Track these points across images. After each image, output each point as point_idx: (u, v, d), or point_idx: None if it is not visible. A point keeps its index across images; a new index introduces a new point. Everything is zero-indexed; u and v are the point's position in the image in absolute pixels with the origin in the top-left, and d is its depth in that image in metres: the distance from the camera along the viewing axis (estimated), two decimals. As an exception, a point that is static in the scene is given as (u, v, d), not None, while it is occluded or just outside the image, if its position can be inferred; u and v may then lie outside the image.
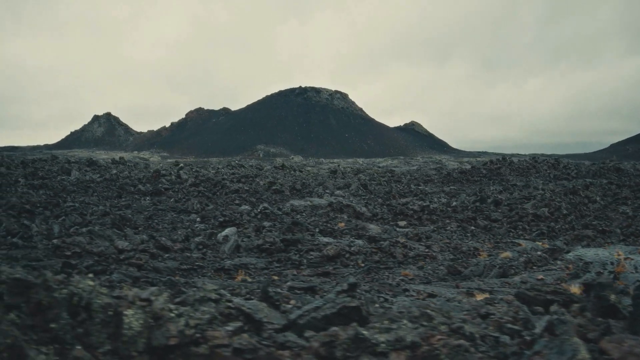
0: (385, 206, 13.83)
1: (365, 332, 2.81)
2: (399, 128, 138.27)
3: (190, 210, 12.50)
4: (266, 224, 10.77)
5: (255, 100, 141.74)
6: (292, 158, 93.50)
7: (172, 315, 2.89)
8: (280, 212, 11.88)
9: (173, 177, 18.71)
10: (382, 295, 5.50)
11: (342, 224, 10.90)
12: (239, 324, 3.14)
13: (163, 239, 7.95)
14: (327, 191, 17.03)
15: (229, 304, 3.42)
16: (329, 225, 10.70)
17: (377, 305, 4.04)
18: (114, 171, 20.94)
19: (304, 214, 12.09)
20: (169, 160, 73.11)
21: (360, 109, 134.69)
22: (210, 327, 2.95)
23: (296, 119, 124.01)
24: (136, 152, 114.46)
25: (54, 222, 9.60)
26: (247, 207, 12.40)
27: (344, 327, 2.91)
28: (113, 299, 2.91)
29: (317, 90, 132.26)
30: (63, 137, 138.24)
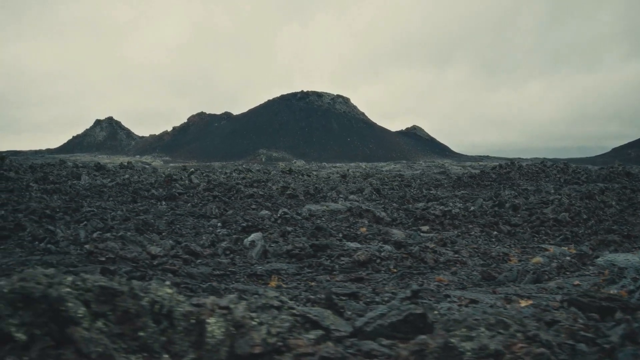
0: (401, 211, 13.81)
1: (453, 341, 2.78)
2: (400, 132, 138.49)
3: (209, 215, 12.47)
4: (288, 228, 10.74)
5: (256, 104, 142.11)
6: (295, 162, 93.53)
7: (254, 323, 2.86)
8: (299, 217, 11.85)
9: (185, 181, 18.69)
10: (424, 301, 5.47)
11: (364, 229, 10.86)
12: (319, 332, 3.12)
13: (193, 244, 7.92)
14: (341, 196, 17.00)
15: (293, 311, 3.40)
16: (351, 230, 10.68)
17: (435, 312, 4.01)
18: (126, 176, 20.94)
19: (323, 219, 12.06)
20: (172, 165, 73.20)
21: (362, 113, 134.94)
22: (291, 336, 2.93)
23: (298, 124, 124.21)
24: (138, 156, 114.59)
25: (79, 228, 9.57)
26: (266, 212, 12.37)
27: (432, 335, 2.88)
28: (193, 307, 2.88)
29: (319, 95, 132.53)
30: (65, 141, 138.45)
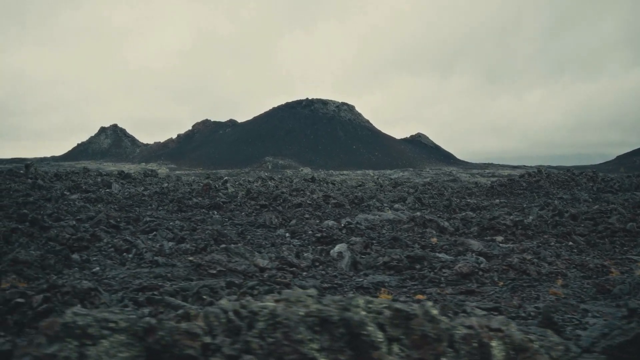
0: (455, 220, 13.68)
1: None
2: (405, 140, 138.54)
3: (269, 225, 12.33)
4: (356, 239, 10.61)
5: (259, 112, 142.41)
6: (302, 170, 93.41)
7: (535, 346, 2.75)
8: (363, 227, 11.73)
9: (225, 190, 18.57)
10: (571, 316, 5.35)
11: (435, 239, 10.74)
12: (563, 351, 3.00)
13: (290, 256, 7.79)
14: (386, 205, 16.89)
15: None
16: (422, 240, 10.55)
17: None
18: (165, 184, 20.80)
19: (386, 228, 11.95)
20: (177, 172, 72.99)
21: (367, 121, 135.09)
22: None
23: (303, 131, 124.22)
24: (143, 163, 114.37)
25: (159, 238, 9.44)
26: (332, 222, 12.25)
27: None
28: (468, 329, 2.76)
29: (324, 102, 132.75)
30: (70, 148, 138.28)
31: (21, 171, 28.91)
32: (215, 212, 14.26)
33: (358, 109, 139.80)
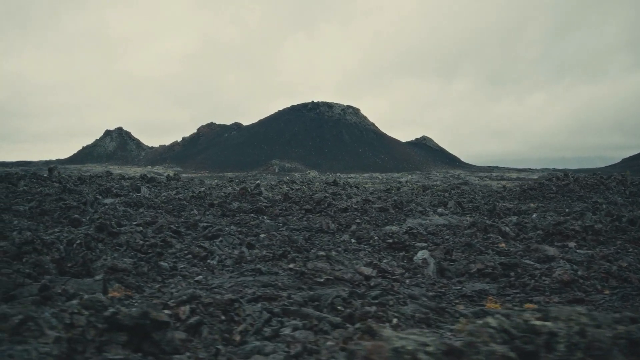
0: (510, 226, 13.50)
1: None
2: (410, 143, 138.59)
3: (326, 230, 12.14)
4: (421, 244, 10.42)
5: (263, 115, 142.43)
6: (309, 173, 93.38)
7: None
8: (425, 233, 11.56)
9: (263, 194, 18.40)
10: None
11: (503, 245, 10.56)
12: None
13: (383, 263, 7.61)
14: (428, 209, 16.72)
15: None
16: (492, 246, 10.37)
17: None
18: (202, 189, 20.63)
19: (446, 233, 11.77)
20: (184, 175, 72.86)
21: (373, 124, 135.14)
22: None
23: (309, 134, 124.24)
24: (149, 166, 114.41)
25: (236, 245, 9.27)
26: (394, 226, 12.07)
27: None
28: None
29: (329, 105, 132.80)
30: (74, 151, 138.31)
31: (44, 174, 28.77)
32: (265, 217, 14.07)
33: (361, 112, 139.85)
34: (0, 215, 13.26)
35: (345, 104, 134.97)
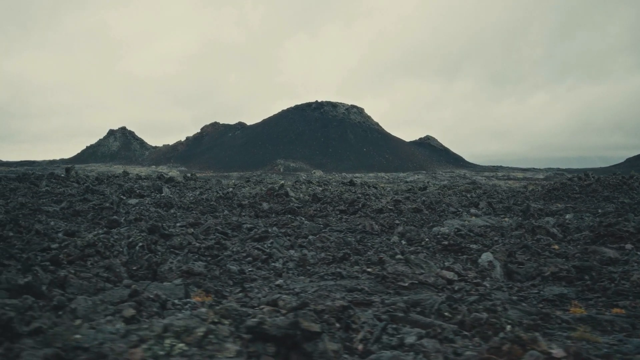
0: (551, 226, 13.34)
1: None
2: (414, 142, 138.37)
3: (370, 232, 11.98)
4: (475, 246, 10.26)
5: (265, 115, 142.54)
6: (314, 172, 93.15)
7: None
8: (472, 234, 11.40)
9: (290, 194, 18.24)
10: None
11: (557, 247, 10.40)
12: None
13: (456, 266, 7.46)
14: (461, 209, 16.57)
15: None
16: (547, 247, 10.22)
17: None
18: (230, 189, 20.47)
19: (493, 234, 11.61)
20: (187, 175, 72.76)
21: (377, 124, 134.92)
22: None
23: (314, 134, 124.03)
24: (154, 166, 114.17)
25: (294, 248, 9.11)
26: (442, 228, 11.91)
27: None
28: None
29: (333, 105, 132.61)
30: (78, 151, 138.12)
31: (62, 175, 28.60)
32: (303, 219, 13.90)
33: (365, 112, 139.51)
34: (36, 216, 13.10)
35: (350, 104, 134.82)
